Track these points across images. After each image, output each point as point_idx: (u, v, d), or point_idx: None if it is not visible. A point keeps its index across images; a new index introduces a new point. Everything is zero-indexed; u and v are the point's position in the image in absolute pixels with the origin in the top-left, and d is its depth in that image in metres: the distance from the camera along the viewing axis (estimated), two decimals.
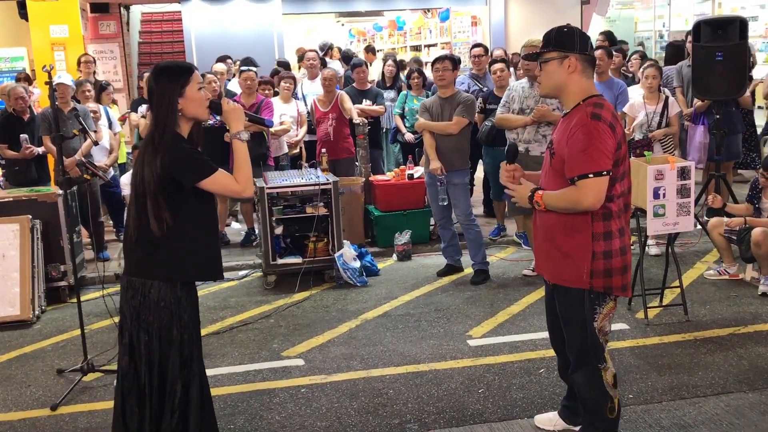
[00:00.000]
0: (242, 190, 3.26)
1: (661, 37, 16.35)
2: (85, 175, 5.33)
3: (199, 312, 3.48)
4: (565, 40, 3.29)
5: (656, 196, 5.30)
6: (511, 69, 9.21)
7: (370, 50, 13.93)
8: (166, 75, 3.23)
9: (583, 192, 3.15)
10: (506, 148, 3.78)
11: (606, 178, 3.15)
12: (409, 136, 8.47)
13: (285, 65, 11.25)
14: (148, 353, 3.26)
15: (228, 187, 3.24)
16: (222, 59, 10.17)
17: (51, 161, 7.50)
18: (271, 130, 7.79)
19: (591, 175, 3.13)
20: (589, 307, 3.33)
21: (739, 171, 9.76)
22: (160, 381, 3.28)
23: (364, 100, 8.84)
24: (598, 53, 7.52)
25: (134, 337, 3.28)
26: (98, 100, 8.54)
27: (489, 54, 9.22)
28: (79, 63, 9.39)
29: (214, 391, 4.57)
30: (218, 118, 7.51)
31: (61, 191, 6.04)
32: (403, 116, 8.64)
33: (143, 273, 3.25)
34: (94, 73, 9.46)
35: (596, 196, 3.15)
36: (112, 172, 8.22)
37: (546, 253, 3.45)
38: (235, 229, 8.88)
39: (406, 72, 9.81)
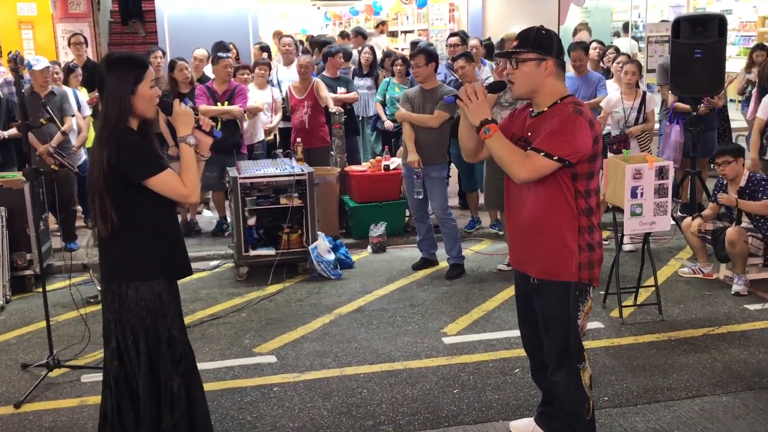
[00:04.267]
0: (189, 195, 3.18)
1: (637, 27, 16.40)
2: (52, 166, 5.16)
3: None
4: (544, 43, 3.26)
5: (634, 195, 5.28)
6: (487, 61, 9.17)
7: (360, 33, 13.59)
8: (120, 68, 3.12)
9: (526, 161, 3.16)
10: (493, 81, 3.73)
11: (551, 164, 3.14)
12: (388, 124, 8.37)
13: (265, 48, 11.07)
14: (137, 354, 3.23)
15: (175, 189, 3.15)
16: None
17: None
18: (246, 108, 7.68)
19: (542, 153, 3.13)
20: (574, 304, 3.34)
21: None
22: (153, 380, 3.25)
23: (338, 88, 8.72)
24: (574, 54, 7.53)
25: (121, 342, 3.23)
26: (66, 82, 8.31)
27: (466, 43, 9.13)
28: (69, 44, 9.26)
29: None
30: (190, 103, 7.40)
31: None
32: (384, 104, 8.53)
33: (116, 276, 3.21)
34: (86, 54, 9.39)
35: (533, 172, 3.17)
36: (83, 156, 8.01)
37: (529, 248, 3.38)
38: (207, 217, 8.74)
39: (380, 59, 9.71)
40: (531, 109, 3.39)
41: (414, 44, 10.14)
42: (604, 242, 3.50)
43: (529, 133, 3.31)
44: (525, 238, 3.41)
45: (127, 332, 3.22)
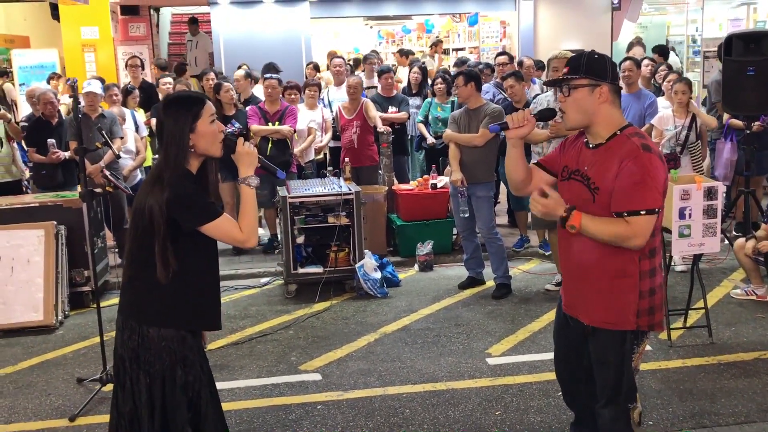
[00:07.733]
0: (246, 240, 3.04)
1: (694, 41, 16.13)
2: (107, 188, 5.36)
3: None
4: (597, 68, 3.05)
5: (682, 216, 5.20)
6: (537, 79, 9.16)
7: (404, 54, 13.75)
8: (176, 107, 3.04)
9: (634, 230, 2.94)
10: (542, 109, 3.57)
11: (656, 217, 2.97)
12: (431, 140, 8.36)
13: (315, 67, 11.32)
14: (150, 397, 3.04)
15: (231, 234, 3.02)
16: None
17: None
18: (296, 148, 7.94)
19: (643, 212, 2.93)
20: (629, 347, 3.16)
21: None
22: (163, 425, 3.07)
23: (389, 107, 8.81)
24: (626, 64, 7.43)
25: (134, 382, 3.05)
26: (124, 104, 8.60)
27: (513, 62, 9.14)
28: (126, 65, 9.67)
29: (231, 405, 4.61)
30: (237, 125, 7.60)
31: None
32: (426, 123, 8.58)
33: (138, 316, 3.05)
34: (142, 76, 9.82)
35: (646, 236, 2.97)
36: (139, 175, 8.28)
37: (583, 293, 3.19)
38: (259, 234, 8.88)
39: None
40: (585, 139, 3.17)
41: (460, 63, 10.12)
42: None
43: (586, 167, 3.09)
44: (578, 283, 3.22)
45: (143, 372, 3.04)
